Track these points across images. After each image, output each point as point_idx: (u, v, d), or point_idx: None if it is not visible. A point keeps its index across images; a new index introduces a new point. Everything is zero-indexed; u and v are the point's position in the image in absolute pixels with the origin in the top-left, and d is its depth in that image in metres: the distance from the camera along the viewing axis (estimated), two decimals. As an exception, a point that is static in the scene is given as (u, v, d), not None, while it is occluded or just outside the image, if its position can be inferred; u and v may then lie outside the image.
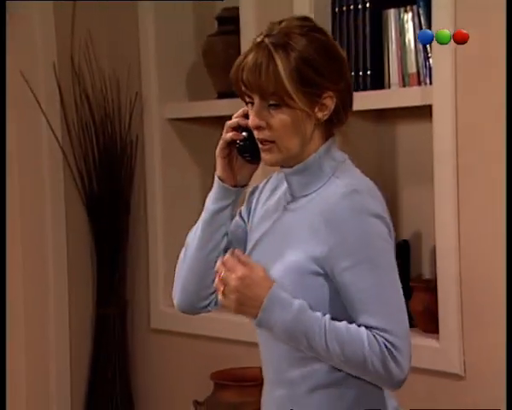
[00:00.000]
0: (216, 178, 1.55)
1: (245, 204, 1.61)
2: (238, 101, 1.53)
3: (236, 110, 1.55)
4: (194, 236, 1.58)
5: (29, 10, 2.94)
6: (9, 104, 2.97)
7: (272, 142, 1.46)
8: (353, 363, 1.41)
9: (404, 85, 2.39)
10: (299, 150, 1.46)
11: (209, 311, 1.59)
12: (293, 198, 1.50)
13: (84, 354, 3.06)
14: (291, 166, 1.49)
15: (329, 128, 1.49)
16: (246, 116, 1.50)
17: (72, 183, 3.02)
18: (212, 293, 1.55)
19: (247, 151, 1.50)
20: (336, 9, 2.51)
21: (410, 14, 2.36)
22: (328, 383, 1.45)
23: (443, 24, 2.18)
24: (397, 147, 2.59)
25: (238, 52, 2.70)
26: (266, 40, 1.45)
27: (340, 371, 1.44)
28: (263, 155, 1.48)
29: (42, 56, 2.95)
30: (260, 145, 1.47)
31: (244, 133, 1.50)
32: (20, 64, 2.96)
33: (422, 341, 2.34)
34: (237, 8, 2.73)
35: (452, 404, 2.26)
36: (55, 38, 2.97)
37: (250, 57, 1.44)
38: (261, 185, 1.60)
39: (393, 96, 2.41)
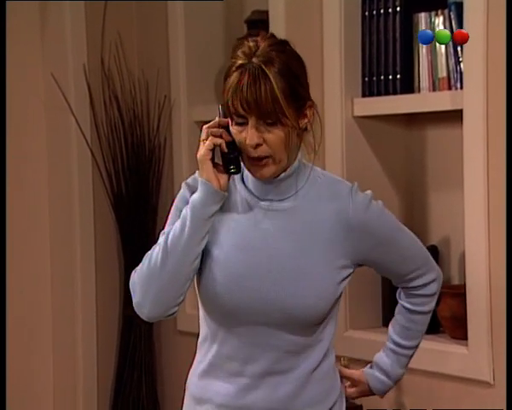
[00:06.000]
0: (203, 182, 1.53)
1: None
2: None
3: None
4: (177, 241, 1.52)
5: (60, 12, 2.97)
6: (40, 105, 3.00)
7: (269, 157, 1.52)
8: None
9: (434, 90, 2.38)
10: (287, 160, 1.55)
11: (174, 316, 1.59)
12: (274, 200, 1.57)
13: (111, 355, 3.07)
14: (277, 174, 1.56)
15: (300, 134, 1.57)
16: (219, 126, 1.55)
17: (100, 184, 3.04)
18: (183, 299, 1.56)
19: (233, 163, 1.54)
20: (366, 13, 2.49)
21: (441, 18, 2.35)
22: (320, 361, 1.60)
23: (475, 27, 2.16)
24: (426, 152, 2.57)
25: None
26: (255, 60, 1.50)
27: (326, 350, 1.60)
28: (257, 169, 1.54)
29: (72, 58, 2.98)
30: (254, 161, 1.53)
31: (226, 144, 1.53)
32: (51, 66, 2.99)
33: (450, 347, 2.32)
34: (266, 12, 2.73)
35: (480, 412, 2.24)
36: (86, 40, 2.99)
37: (246, 79, 1.49)
38: (188, 191, 1.59)
39: (423, 101, 2.40)
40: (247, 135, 1.51)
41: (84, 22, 2.99)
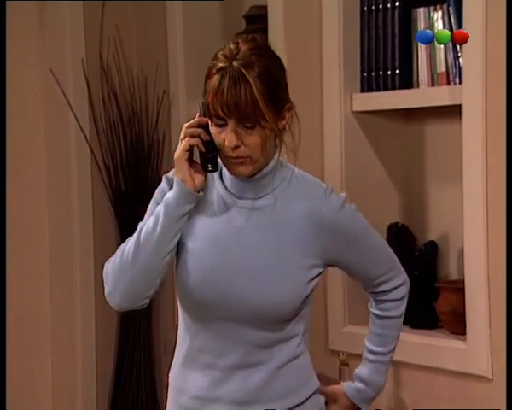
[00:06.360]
0: (178, 182, 1.56)
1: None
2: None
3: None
4: (149, 237, 1.57)
5: (58, 8, 2.97)
6: (39, 101, 3.00)
7: (246, 157, 1.55)
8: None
9: (432, 85, 2.38)
10: (264, 160, 1.58)
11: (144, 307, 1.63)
12: (250, 198, 1.60)
13: (110, 351, 3.07)
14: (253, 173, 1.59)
15: (278, 135, 1.59)
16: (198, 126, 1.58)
17: (99, 179, 3.04)
18: (154, 292, 1.60)
19: (210, 162, 1.57)
20: (365, 8, 2.49)
21: (439, 13, 2.34)
22: (293, 357, 1.62)
23: (474, 22, 2.16)
24: (425, 147, 2.57)
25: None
26: (236, 64, 1.52)
27: (299, 344, 1.63)
28: (235, 167, 1.56)
29: (71, 53, 2.98)
30: (232, 160, 1.56)
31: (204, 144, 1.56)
32: (50, 61, 2.98)
33: (449, 342, 2.33)
34: (265, 7, 2.73)
35: (479, 406, 2.24)
36: (84, 36, 2.99)
37: (226, 82, 1.51)
38: (168, 185, 1.62)
39: (422, 96, 2.39)
40: (226, 136, 1.54)
41: (82, 18, 2.99)
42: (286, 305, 1.58)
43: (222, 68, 1.52)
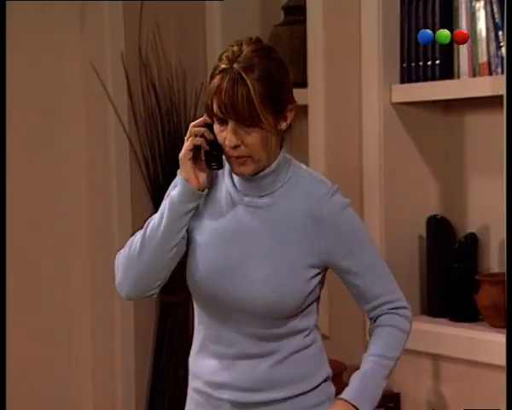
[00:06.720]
0: (182, 181, 1.61)
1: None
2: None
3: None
4: (154, 233, 1.62)
5: (99, 4, 2.99)
6: (79, 93, 3.03)
7: (248, 156, 1.57)
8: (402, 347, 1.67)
9: (474, 75, 2.34)
10: (267, 159, 1.60)
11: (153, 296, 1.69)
12: (254, 196, 1.62)
13: (148, 341, 3.09)
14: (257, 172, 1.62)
15: (282, 133, 1.62)
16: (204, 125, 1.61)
17: (137, 170, 3.06)
18: (162, 283, 1.65)
19: (214, 160, 1.60)
20: (405, -2, 2.47)
21: (481, 3, 2.31)
22: (301, 348, 1.64)
23: (516, 11, 2.13)
24: (465, 138, 2.54)
25: (304, 42, 2.69)
26: (236, 66, 1.55)
27: (307, 336, 1.64)
28: (237, 167, 1.59)
29: (110, 47, 3.00)
30: (234, 159, 1.58)
31: (209, 142, 1.60)
32: (90, 55, 3.01)
33: (490, 336, 2.30)
34: (304, -2, 2.72)
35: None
36: (124, 29, 3.01)
37: (225, 84, 1.54)
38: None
39: (463, 87, 2.37)
40: (226, 136, 1.56)
41: (121, 11, 3.01)
42: (282, 304, 1.59)
43: (223, 70, 1.56)
